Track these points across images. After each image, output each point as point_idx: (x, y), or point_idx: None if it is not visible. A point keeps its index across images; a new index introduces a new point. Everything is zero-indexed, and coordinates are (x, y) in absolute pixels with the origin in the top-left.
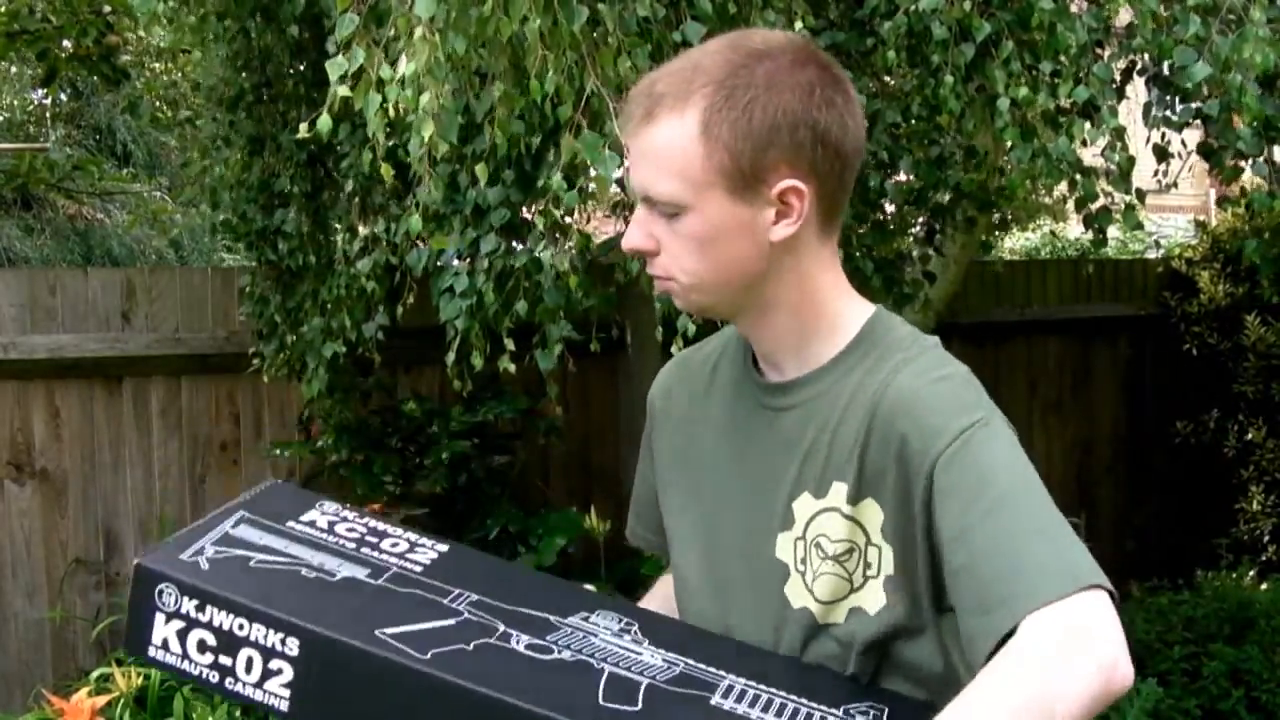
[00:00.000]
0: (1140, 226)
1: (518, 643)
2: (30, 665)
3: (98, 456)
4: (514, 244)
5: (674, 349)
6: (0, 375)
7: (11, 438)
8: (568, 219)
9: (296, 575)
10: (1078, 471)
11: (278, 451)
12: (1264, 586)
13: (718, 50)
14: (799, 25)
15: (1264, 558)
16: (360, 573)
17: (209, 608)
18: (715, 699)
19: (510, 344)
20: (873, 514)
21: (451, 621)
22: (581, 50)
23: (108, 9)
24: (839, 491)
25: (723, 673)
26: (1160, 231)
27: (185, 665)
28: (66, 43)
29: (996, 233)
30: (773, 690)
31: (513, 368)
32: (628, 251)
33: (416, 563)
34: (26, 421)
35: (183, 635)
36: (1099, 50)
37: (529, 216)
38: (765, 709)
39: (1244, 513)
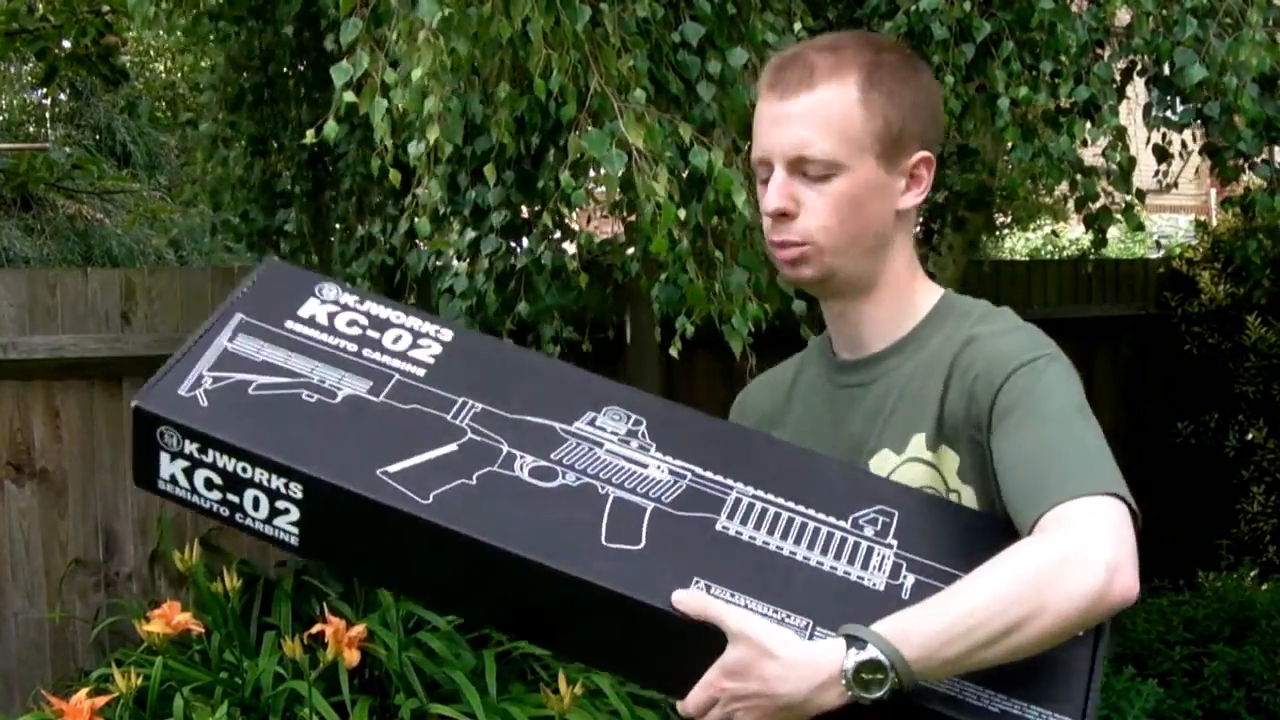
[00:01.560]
0: (1141, 227)
1: (521, 468)
2: (30, 665)
3: (98, 457)
4: (514, 244)
5: (672, 349)
6: (0, 375)
7: (11, 438)
8: (570, 219)
9: (297, 402)
10: None
11: None
12: (1265, 587)
13: (846, 37)
14: (798, 26)
15: (1265, 558)
16: (362, 388)
17: (210, 451)
18: (720, 522)
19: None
20: (949, 460)
21: (454, 447)
22: (585, 50)
23: (106, 9)
24: (918, 442)
25: (730, 482)
26: (1161, 231)
27: (195, 499)
28: (65, 42)
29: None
30: (779, 502)
31: None
32: (773, 213)
33: (420, 363)
34: (26, 422)
35: (189, 473)
36: (1099, 50)
37: (528, 216)
38: (771, 529)
39: (1244, 513)
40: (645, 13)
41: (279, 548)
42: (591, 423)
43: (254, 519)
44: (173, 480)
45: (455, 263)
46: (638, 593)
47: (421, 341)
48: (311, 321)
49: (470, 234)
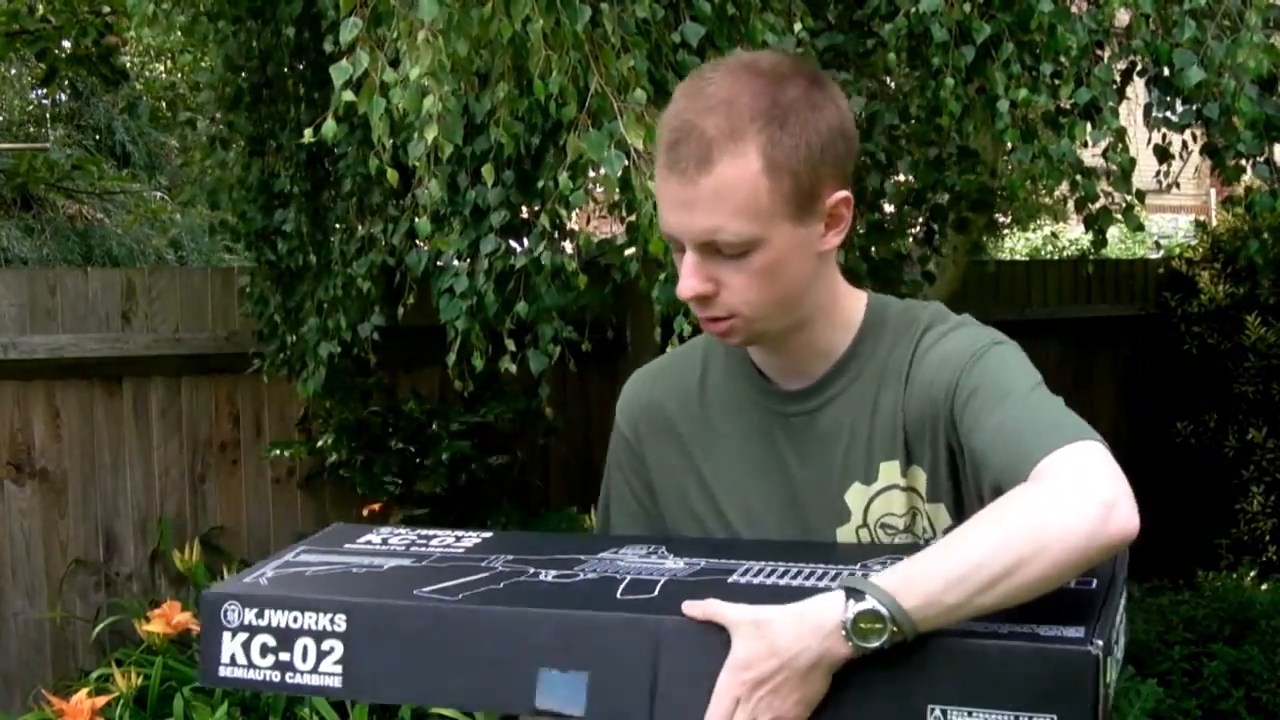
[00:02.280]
0: (1141, 228)
1: (545, 576)
2: (30, 665)
3: (98, 457)
4: (514, 244)
5: (670, 349)
6: (0, 375)
7: (11, 438)
8: (570, 220)
9: (348, 572)
10: None
11: (277, 452)
12: (1264, 587)
13: (739, 80)
14: (798, 26)
15: (1264, 558)
16: (406, 562)
17: (267, 611)
18: (733, 578)
19: (511, 344)
20: (920, 480)
21: (485, 574)
22: (585, 50)
23: (106, 9)
24: (889, 469)
25: (744, 562)
26: (1161, 231)
27: (251, 675)
28: (66, 43)
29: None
30: (792, 563)
31: (513, 368)
32: (689, 299)
33: (461, 547)
34: (26, 421)
35: (246, 646)
36: (1099, 52)
37: (528, 217)
38: (781, 576)
39: (1244, 513)
40: (645, 13)
41: (326, 696)
42: (615, 552)
43: (301, 671)
44: (232, 661)
45: (455, 263)
46: (646, 611)
47: (464, 539)
48: (368, 542)
49: (470, 234)
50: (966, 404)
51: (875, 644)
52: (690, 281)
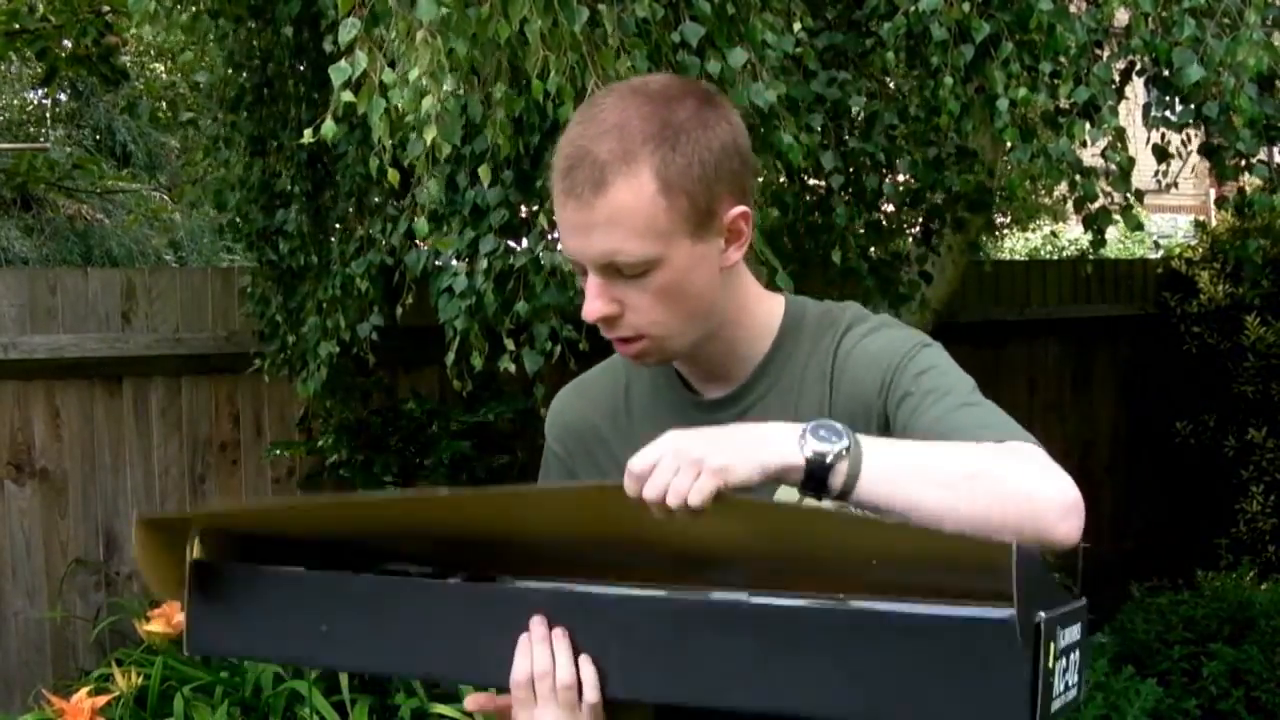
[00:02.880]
0: (1140, 227)
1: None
2: (30, 665)
3: (98, 456)
4: (513, 244)
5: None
6: (0, 375)
7: (11, 438)
8: None
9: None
10: (1077, 472)
11: (278, 451)
12: (1264, 586)
13: (629, 104)
14: (797, 26)
15: (1264, 558)
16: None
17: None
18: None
19: (510, 344)
20: None
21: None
22: (583, 51)
23: (106, 9)
24: None
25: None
26: (1161, 231)
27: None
28: (66, 42)
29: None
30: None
31: (513, 368)
32: (595, 321)
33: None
34: (26, 421)
35: None
36: (1098, 51)
37: (527, 216)
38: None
39: (1244, 513)
40: (645, 12)
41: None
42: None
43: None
44: None
45: (454, 263)
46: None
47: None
48: None
49: (469, 234)
50: (902, 401)
51: (828, 450)
52: (595, 304)
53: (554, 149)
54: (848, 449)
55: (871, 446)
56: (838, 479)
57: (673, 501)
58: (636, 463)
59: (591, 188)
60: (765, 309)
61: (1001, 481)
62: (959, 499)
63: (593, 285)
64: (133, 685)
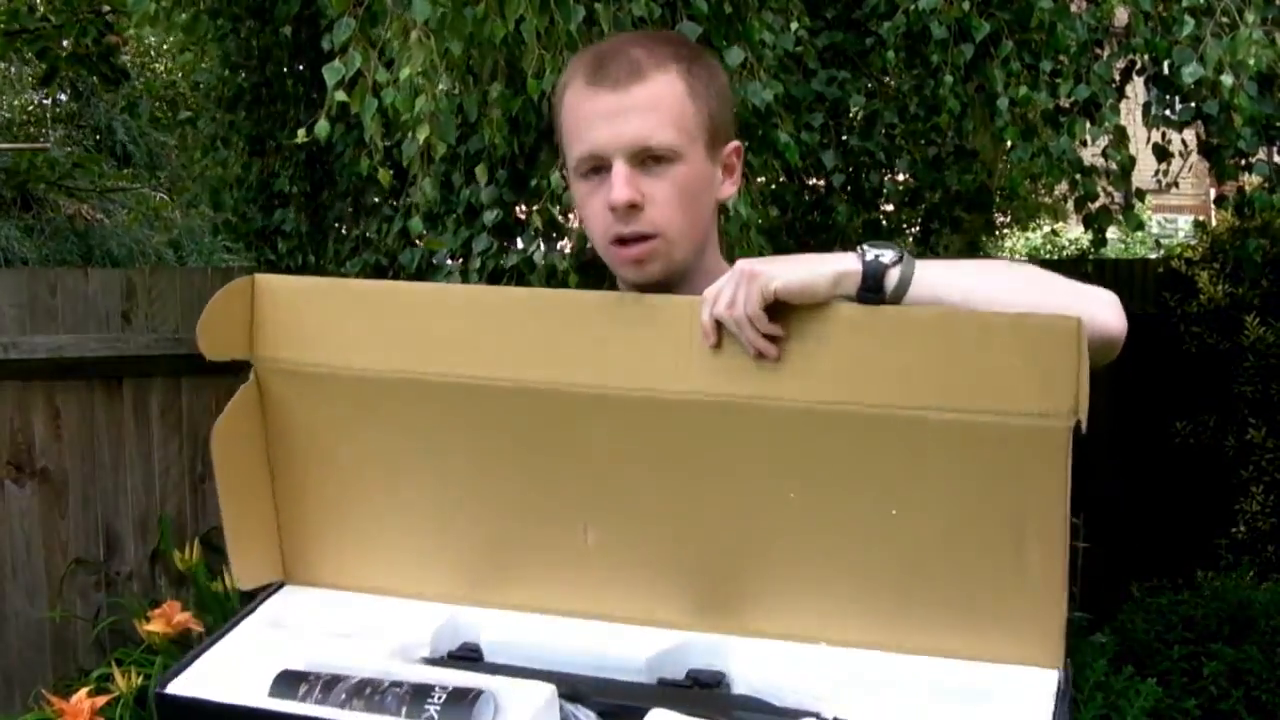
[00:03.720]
0: (1141, 226)
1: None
2: (30, 665)
3: (98, 456)
4: (507, 243)
5: None
6: (0, 375)
7: (11, 438)
8: (563, 218)
9: None
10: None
11: None
12: (1263, 586)
13: (640, 34)
14: (794, 25)
15: (1264, 558)
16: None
17: None
18: None
19: None
20: None
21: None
22: (579, 49)
23: (106, 9)
24: None
25: None
26: (1161, 231)
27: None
28: (66, 42)
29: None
30: None
31: None
32: (622, 204)
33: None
34: (26, 421)
35: None
36: (1098, 50)
37: (522, 216)
38: None
39: (1244, 513)
40: (642, 11)
41: None
42: None
43: None
44: None
45: (448, 262)
46: None
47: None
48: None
49: (463, 233)
50: None
51: (884, 254)
52: (624, 190)
53: (549, 148)
54: (902, 257)
55: (923, 261)
56: (892, 281)
57: (727, 310)
58: (710, 289)
59: (629, 75)
60: (723, 263)
61: (1049, 282)
62: (1013, 295)
63: (620, 173)
64: (133, 685)
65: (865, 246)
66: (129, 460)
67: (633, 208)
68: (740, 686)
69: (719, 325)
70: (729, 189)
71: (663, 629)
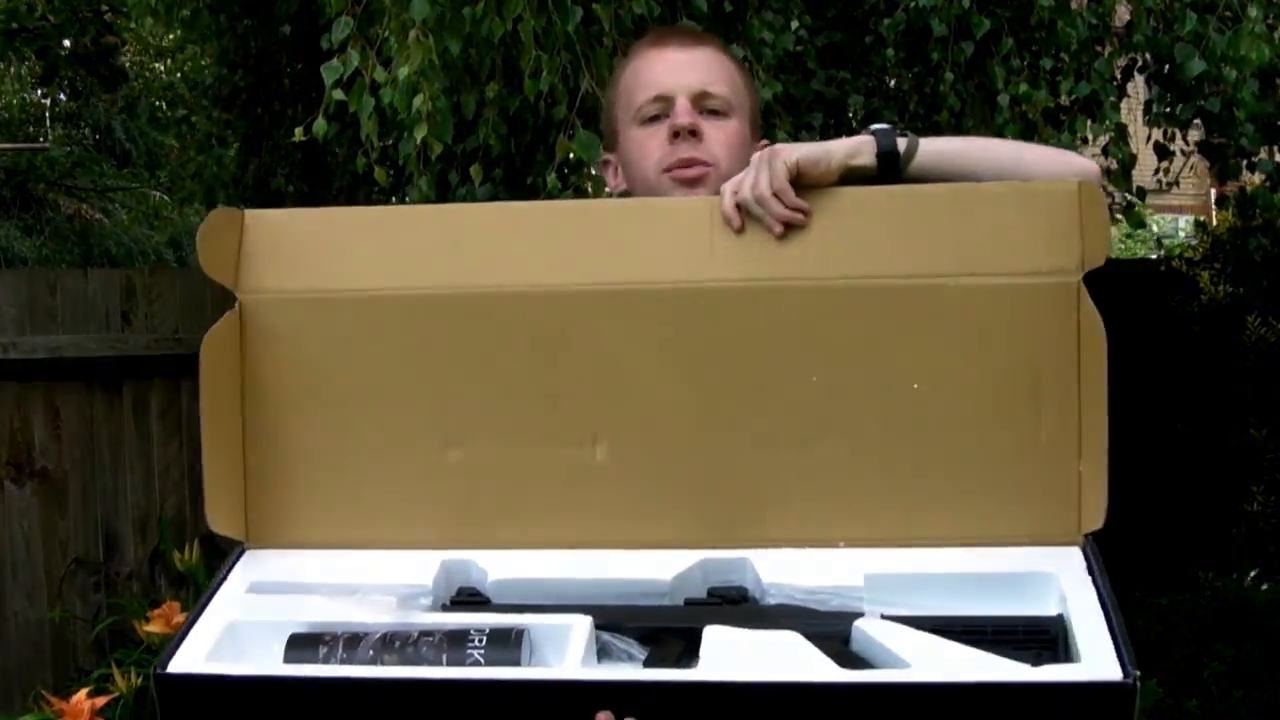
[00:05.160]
0: (1142, 224)
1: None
2: (30, 665)
3: (98, 456)
4: None
5: None
6: (0, 375)
7: (11, 438)
8: None
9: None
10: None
11: None
12: (1264, 587)
13: (681, 28)
14: (795, 24)
15: (1265, 558)
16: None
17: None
18: None
19: None
20: None
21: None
22: (576, 50)
23: (106, 9)
24: None
25: None
26: (1162, 231)
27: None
28: (65, 41)
29: None
30: None
31: None
32: (686, 126)
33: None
34: (26, 421)
35: None
36: (1099, 48)
37: None
38: None
39: (1244, 513)
40: (642, 9)
41: None
42: None
43: None
44: None
45: None
46: None
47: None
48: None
49: None
50: None
51: (890, 129)
52: (688, 115)
53: (546, 148)
54: (906, 132)
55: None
56: (901, 144)
57: (750, 191)
58: (730, 181)
59: (692, 40)
60: None
61: (1031, 147)
62: (1015, 162)
63: (683, 106)
64: (133, 685)
65: (873, 127)
66: (129, 460)
67: (694, 134)
68: (767, 596)
69: (740, 209)
70: None
71: (677, 550)
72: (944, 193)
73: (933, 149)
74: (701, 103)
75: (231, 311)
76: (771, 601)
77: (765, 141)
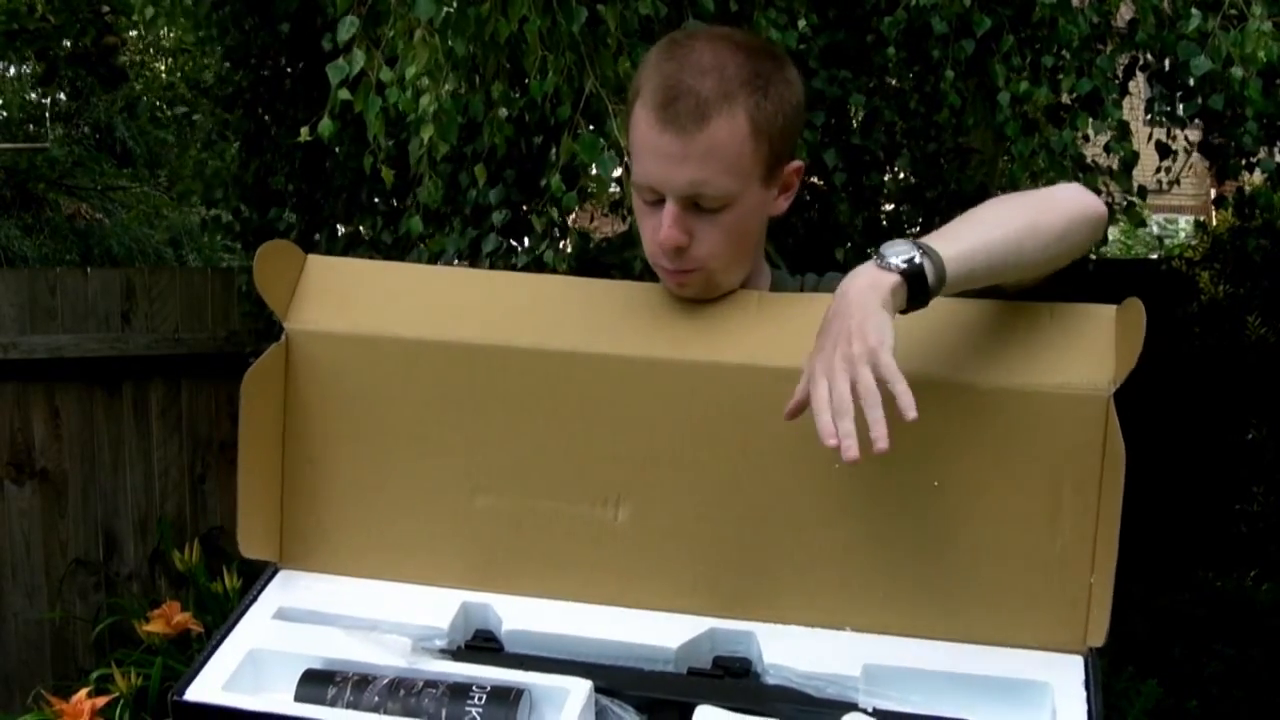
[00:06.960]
0: (1143, 223)
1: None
2: (30, 665)
3: (98, 456)
4: (514, 243)
5: None
6: (0, 375)
7: (11, 438)
8: (565, 219)
9: None
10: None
11: None
12: (1264, 587)
13: (723, 49)
14: (801, 23)
15: (1265, 558)
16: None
17: None
18: None
19: None
20: None
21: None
22: (581, 51)
23: (106, 9)
24: None
25: None
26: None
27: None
28: (65, 42)
29: None
30: None
31: None
32: (670, 248)
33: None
34: (26, 421)
35: None
36: (1100, 46)
37: (527, 215)
38: None
39: (1244, 513)
40: (648, 10)
41: None
42: None
43: None
44: None
45: (456, 262)
46: None
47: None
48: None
49: (471, 233)
50: None
51: (903, 260)
52: (672, 232)
53: (556, 149)
54: (920, 248)
55: (931, 239)
56: (930, 274)
57: (848, 404)
58: (818, 391)
59: (694, 120)
60: (765, 266)
61: (1038, 207)
62: (1023, 237)
63: (670, 214)
64: (133, 685)
65: (883, 255)
66: (129, 460)
67: (679, 250)
68: (767, 674)
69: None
70: (782, 204)
71: (686, 615)
72: (984, 309)
73: (959, 262)
74: (694, 201)
75: (278, 344)
76: (771, 681)
77: (798, 164)
